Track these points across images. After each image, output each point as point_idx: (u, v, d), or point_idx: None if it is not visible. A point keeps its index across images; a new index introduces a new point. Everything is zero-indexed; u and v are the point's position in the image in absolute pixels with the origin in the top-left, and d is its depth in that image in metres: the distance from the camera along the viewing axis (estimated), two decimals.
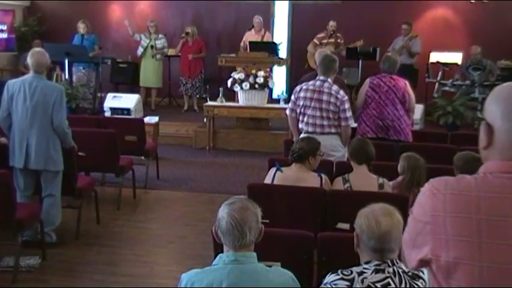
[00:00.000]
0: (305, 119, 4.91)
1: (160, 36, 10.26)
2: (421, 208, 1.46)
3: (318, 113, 4.85)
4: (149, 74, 10.33)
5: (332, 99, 4.81)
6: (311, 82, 4.96)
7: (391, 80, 5.52)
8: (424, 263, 1.45)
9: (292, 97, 5.07)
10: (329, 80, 4.90)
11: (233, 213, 2.15)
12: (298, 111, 4.97)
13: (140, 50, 10.27)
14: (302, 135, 4.85)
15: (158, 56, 10.26)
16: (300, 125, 4.98)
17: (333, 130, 4.87)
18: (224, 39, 11.04)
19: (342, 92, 4.88)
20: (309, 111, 4.88)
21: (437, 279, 1.42)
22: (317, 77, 4.97)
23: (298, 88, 5.03)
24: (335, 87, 4.87)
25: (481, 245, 1.35)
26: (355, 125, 5.66)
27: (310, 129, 4.87)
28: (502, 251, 1.34)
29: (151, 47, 10.16)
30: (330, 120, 4.85)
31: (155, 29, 10.22)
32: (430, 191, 1.46)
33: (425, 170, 3.95)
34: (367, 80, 5.67)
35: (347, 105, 4.87)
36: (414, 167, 3.93)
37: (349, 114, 4.88)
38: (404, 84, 5.56)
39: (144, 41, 10.20)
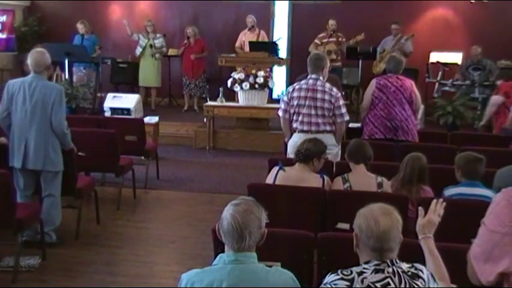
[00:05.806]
0: (300, 118, 4.91)
1: (158, 35, 10.32)
2: (497, 219, 1.36)
3: (313, 111, 4.86)
4: (148, 73, 10.38)
5: (326, 97, 4.83)
6: (303, 81, 4.96)
7: (398, 80, 5.53)
8: (504, 276, 1.34)
9: (285, 98, 5.03)
10: (320, 78, 4.91)
11: (236, 216, 2.14)
12: (292, 111, 4.95)
13: (139, 50, 10.29)
14: (295, 134, 4.88)
15: (157, 56, 10.30)
16: (294, 125, 4.96)
17: (327, 128, 4.88)
18: (224, 40, 11.02)
19: (335, 89, 4.91)
20: (304, 110, 4.88)
21: None
22: (308, 76, 4.96)
23: (290, 88, 5.03)
24: (328, 85, 4.90)
25: None
26: (357, 125, 5.63)
27: (306, 127, 4.87)
28: None
29: (151, 46, 10.20)
30: (325, 118, 4.87)
31: (152, 28, 10.27)
32: (506, 200, 1.35)
33: (425, 169, 3.95)
34: (373, 81, 5.66)
35: (341, 102, 4.90)
36: (412, 165, 3.93)
37: (344, 110, 4.91)
38: (411, 84, 5.57)
39: (143, 41, 10.23)
